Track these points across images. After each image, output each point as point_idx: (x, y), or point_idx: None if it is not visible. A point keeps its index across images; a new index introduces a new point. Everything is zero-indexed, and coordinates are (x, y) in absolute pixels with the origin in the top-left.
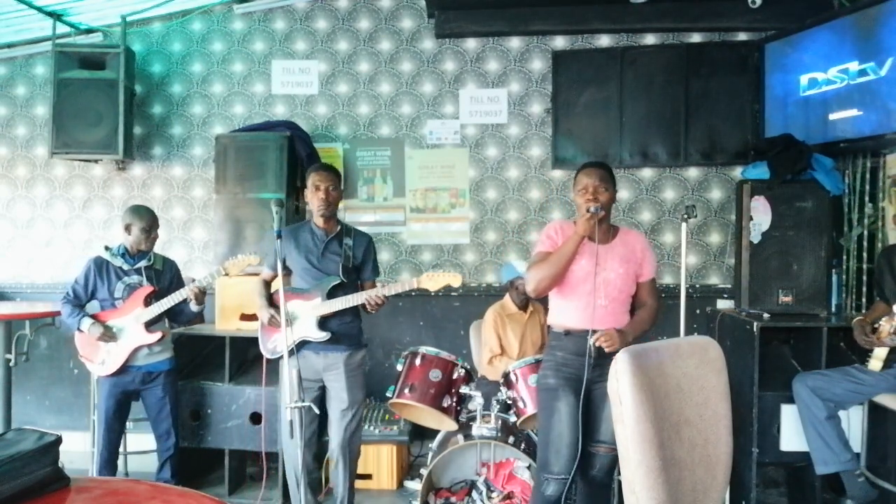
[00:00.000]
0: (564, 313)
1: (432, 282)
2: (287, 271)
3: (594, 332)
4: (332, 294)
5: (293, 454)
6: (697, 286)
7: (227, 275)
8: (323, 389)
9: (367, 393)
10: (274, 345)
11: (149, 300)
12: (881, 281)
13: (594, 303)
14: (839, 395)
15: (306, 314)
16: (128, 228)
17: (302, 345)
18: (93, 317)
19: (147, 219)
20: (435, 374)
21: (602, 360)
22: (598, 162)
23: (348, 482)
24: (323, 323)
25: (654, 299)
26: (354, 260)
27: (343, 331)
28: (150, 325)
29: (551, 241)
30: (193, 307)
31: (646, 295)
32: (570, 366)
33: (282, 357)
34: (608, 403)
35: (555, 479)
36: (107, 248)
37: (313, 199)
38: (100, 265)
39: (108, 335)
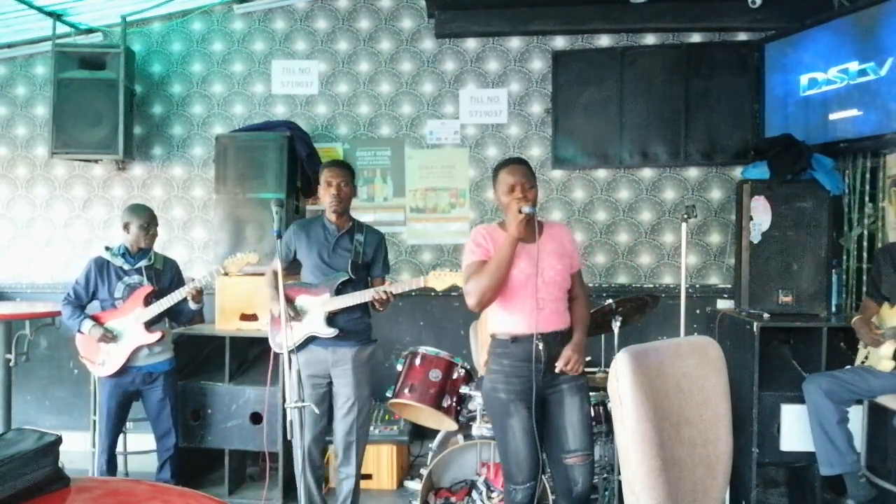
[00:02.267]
0: (509, 320)
1: (439, 281)
2: (298, 265)
3: (540, 335)
4: (340, 290)
5: (296, 452)
6: (697, 286)
7: (226, 274)
8: (331, 385)
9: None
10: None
11: (149, 300)
12: (878, 278)
13: (537, 305)
14: (849, 397)
15: (315, 310)
16: (126, 227)
17: (310, 340)
18: (93, 318)
19: (144, 216)
20: (435, 374)
21: (551, 363)
22: (519, 158)
23: (355, 479)
24: (331, 319)
25: (584, 289)
26: (364, 257)
27: (351, 327)
28: (150, 324)
29: (482, 250)
30: (192, 305)
31: (577, 287)
32: (520, 374)
33: (290, 352)
34: (567, 407)
35: (521, 488)
36: (107, 249)
37: (325, 195)
38: (100, 265)
39: (109, 336)
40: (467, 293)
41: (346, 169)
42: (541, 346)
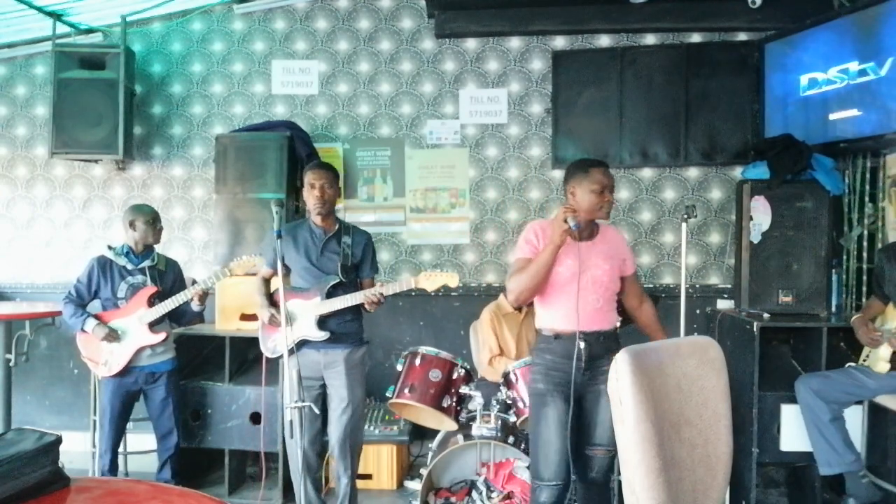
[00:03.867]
0: (553, 316)
1: (429, 282)
2: (286, 270)
3: (582, 334)
4: (331, 293)
5: (295, 453)
6: (697, 286)
7: (231, 275)
8: (324, 387)
9: (367, 393)
10: (274, 344)
11: (152, 300)
12: (881, 278)
13: (580, 303)
14: (842, 397)
15: (306, 313)
16: (132, 224)
17: (302, 343)
18: (95, 317)
19: (150, 212)
20: (435, 374)
21: (592, 362)
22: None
23: (350, 480)
24: (322, 322)
25: (645, 294)
26: (353, 258)
27: (343, 329)
28: (153, 325)
29: (531, 247)
30: (195, 307)
31: (639, 290)
32: (560, 369)
33: (282, 356)
34: (602, 406)
35: (546, 486)
36: (110, 248)
37: (309, 198)
38: (103, 264)
39: (113, 336)
40: (508, 289)
41: (329, 171)
42: (582, 345)
